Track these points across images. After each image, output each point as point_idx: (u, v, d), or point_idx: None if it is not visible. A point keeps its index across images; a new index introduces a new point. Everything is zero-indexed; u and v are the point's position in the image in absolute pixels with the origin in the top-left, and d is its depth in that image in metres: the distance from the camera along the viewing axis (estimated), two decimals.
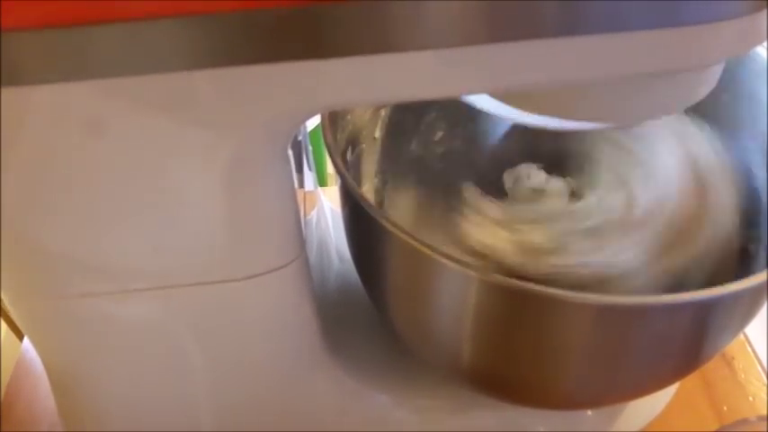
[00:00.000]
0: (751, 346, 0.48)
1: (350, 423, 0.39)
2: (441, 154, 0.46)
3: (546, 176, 0.43)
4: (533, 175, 0.43)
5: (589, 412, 0.41)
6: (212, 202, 0.27)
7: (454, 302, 0.30)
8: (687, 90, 0.26)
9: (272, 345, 0.34)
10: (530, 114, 0.26)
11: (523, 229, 0.37)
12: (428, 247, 0.28)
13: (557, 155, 0.43)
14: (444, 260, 0.27)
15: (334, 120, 0.36)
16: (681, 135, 0.38)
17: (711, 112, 0.37)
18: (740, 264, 0.37)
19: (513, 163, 0.44)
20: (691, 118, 0.38)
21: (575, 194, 0.42)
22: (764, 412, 0.44)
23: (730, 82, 0.36)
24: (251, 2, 0.20)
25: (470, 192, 0.39)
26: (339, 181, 0.34)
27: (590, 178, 0.39)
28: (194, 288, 0.30)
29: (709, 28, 0.21)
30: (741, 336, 0.48)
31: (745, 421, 0.34)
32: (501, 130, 0.45)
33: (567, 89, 0.25)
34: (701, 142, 0.37)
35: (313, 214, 0.42)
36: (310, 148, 0.45)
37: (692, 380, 0.45)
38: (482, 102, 0.27)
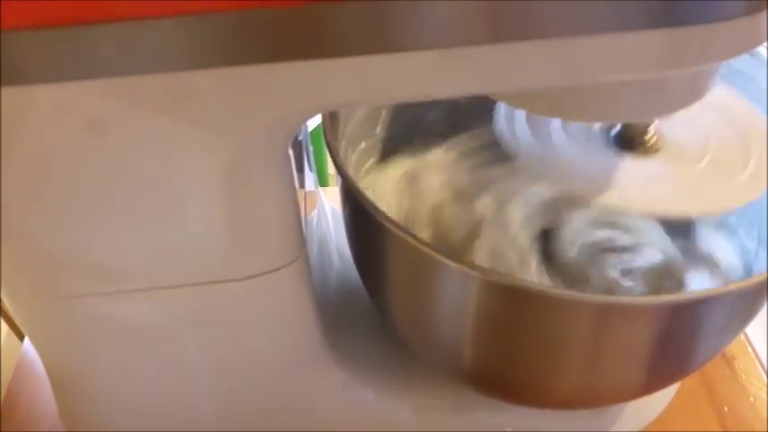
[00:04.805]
0: (752, 346, 0.48)
1: (350, 422, 0.39)
2: None
3: None
4: None
5: (589, 412, 0.41)
6: (213, 202, 0.27)
7: (454, 302, 0.30)
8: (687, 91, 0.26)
9: (272, 344, 0.35)
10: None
11: None
12: (429, 246, 0.28)
13: None
14: (445, 260, 0.27)
15: (334, 119, 0.36)
16: None
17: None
18: None
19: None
20: None
21: None
22: (765, 413, 0.44)
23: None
24: (251, 2, 0.20)
25: None
26: (340, 181, 0.34)
27: None
28: (195, 288, 0.30)
29: (709, 28, 0.21)
30: (742, 336, 0.48)
31: None
32: None
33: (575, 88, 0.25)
34: None
35: (314, 214, 0.42)
36: (311, 148, 0.45)
37: (692, 380, 0.45)
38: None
